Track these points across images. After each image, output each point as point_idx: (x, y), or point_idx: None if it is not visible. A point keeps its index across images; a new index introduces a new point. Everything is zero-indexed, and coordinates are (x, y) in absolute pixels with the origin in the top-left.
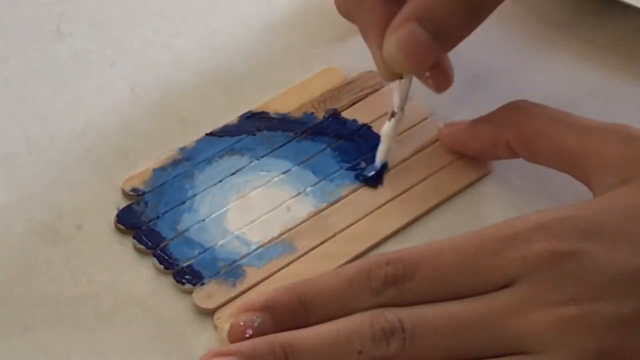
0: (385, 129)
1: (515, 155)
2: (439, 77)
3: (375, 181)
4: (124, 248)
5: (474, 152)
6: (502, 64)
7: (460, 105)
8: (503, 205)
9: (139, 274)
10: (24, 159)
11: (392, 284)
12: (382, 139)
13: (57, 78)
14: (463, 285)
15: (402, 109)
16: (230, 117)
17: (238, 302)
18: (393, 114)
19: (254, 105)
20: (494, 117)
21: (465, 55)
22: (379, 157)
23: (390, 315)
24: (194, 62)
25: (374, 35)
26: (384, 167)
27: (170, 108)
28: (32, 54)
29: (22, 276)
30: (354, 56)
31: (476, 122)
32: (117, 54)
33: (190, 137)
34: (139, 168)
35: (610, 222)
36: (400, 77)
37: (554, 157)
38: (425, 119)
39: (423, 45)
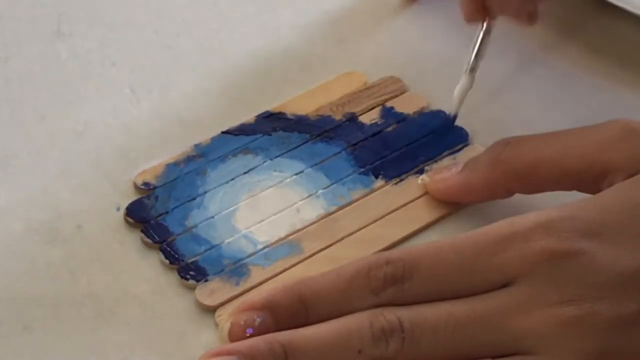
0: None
1: (512, 195)
2: (533, 15)
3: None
4: (124, 248)
5: (468, 202)
6: (498, 61)
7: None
8: (503, 204)
9: (139, 273)
10: (24, 159)
11: (392, 284)
12: (455, 93)
13: (57, 78)
14: (462, 285)
15: (476, 60)
16: (231, 117)
17: (240, 301)
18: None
19: (252, 107)
20: (484, 168)
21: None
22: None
23: (390, 315)
24: (194, 62)
25: None
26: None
27: (170, 108)
28: (32, 54)
29: (22, 276)
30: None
31: (466, 175)
32: (117, 54)
33: (189, 137)
34: (139, 168)
35: (610, 222)
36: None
37: (558, 183)
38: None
39: None
